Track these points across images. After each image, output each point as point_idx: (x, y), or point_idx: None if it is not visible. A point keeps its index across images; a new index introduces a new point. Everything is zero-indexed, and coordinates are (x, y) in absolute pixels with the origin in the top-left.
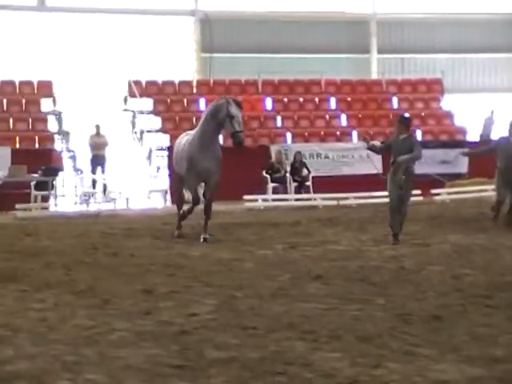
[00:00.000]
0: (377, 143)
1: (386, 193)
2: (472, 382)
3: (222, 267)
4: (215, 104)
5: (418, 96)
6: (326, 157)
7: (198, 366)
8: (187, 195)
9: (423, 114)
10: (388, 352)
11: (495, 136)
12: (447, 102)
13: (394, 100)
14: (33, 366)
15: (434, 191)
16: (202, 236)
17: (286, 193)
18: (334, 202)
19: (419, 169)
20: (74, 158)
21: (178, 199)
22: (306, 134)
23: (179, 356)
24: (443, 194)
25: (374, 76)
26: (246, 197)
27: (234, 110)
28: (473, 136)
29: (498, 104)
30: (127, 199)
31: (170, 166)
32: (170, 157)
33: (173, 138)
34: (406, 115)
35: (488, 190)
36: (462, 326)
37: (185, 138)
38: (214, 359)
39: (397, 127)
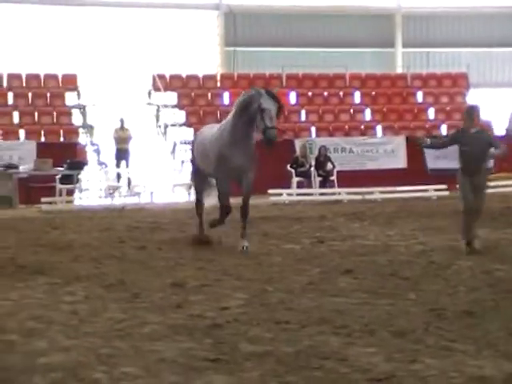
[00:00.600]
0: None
1: (410, 187)
2: (509, 377)
3: (251, 261)
4: (246, 95)
5: (443, 90)
6: (351, 151)
7: (233, 360)
8: (208, 198)
9: (448, 109)
10: (423, 347)
11: None
12: (473, 97)
13: (419, 94)
14: (67, 358)
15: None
16: (240, 244)
17: (310, 187)
18: (359, 197)
19: (444, 164)
20: (98, 151)
21: (197, 200)
22: (331, 128)
23: (213, 349)
24: None
25: (399, 70)
26: (270, 191)
27: (266, 102)
28: (499, 130)
29: None
30: (151, 193)
31: (193, 161)
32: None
33: (197, 132)
34: (473, 105)
35: None
36: (496, 322)
37: (210, 132)
38: (249, 353)
39: (465, 119)
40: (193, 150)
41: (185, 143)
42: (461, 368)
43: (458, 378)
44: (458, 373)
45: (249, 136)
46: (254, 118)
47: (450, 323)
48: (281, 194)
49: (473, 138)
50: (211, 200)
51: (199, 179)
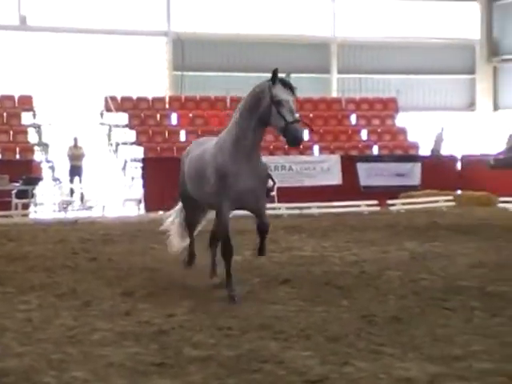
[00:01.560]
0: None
1: (344, 203)
2: (433, 379)
3: (196, 271)
4: (252, 92)
5: (375, 113)
6: (290, 169)
7: (177, 364)
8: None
9: (379, 131)
10: (355, 351)
11: (445, 151)
12: (401, 120)
13: (353, 117)
14: (20, 363)
15: (389, 202)
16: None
17: None
18: (298, 211)
19: (375, 181)
20: (53, 168)
21: (187, 232)
22: (271, 147)
23: (159, 354)
24: (398, 205)
25: (334, 94)
26: None
27: (281, 92)
28: (424, 151)
29: (448, 121)
30: (103, 207)
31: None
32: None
33: (146, 151)
34: None
35: (439, 201)
36: (421, 327)
37: (205, 147)
38: (192, 357)
39: None
40: (181, 174)
41: (135, 161)
42: (389, 370)
43: (386, 379)
44: (386, 375)
45: (258, 147)
46: (266, 118)
47: (380, 329)
48: None
49: None
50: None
51: (189, 206)
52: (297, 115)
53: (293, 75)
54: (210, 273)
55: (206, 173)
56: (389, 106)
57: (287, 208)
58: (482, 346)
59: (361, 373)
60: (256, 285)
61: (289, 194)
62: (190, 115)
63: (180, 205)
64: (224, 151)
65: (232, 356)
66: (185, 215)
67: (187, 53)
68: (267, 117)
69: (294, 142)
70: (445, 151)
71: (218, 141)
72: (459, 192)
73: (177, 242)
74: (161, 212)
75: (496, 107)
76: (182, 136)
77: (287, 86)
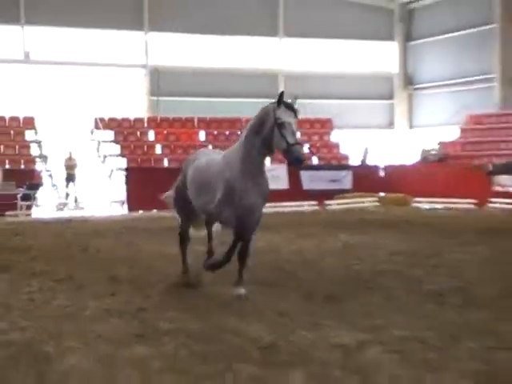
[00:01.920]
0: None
1: (291, 203)
2: (361, 345)
3: (169, 260)
4: (259, 114)
5: (315, 131)
6: None
7: (153, 336)
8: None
9: (318, 145)
10: (299, 323)
11: (370, 161)
12: (335, 136)
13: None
14: (24, 336)
15: (326, 202)
16: (235, 291)
17: None
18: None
19: (316, 185)
20: (51, 176)
21: (182, 232)
22: None
23: (138, 328)
24: (334, 205)
25: None
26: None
27: (283, 115)
28: (354, 161)
29: (372, 138)
30: (93, 208)
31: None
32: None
33: (129, 161)
34: None
35: (366, 202)
36: (352, 304)
37: (211, 157)
38: (166, 330)
39: None
40: (181, 179)
41: (119, 169)
42: (326, 338)
43: (324, 345)
44: (324, 342)
45: (263, 167)
46: (269, 138)
47: (319, 305)
48: None
49: None
50: (200, 233)
51: (186, 210)
52: (296, 138)
53: (249, 99)
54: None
55: (211, 185)
56: (326, 125)
57: None
58: (400, 318)
59: (303, 340)
60: (220, 271)
61: None
62: (165, 132)
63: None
64: (232, 167)
65: (198, 328)
66: (181, 215)
67: (162, 82)
68: (270, 138)
69: (295, 163)
70: (370, 161)
71: (224, 156)
72: (382, 194)
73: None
74: (141, 211)
75: (411, 126)
76: (158, 149)
77: (290, 108)
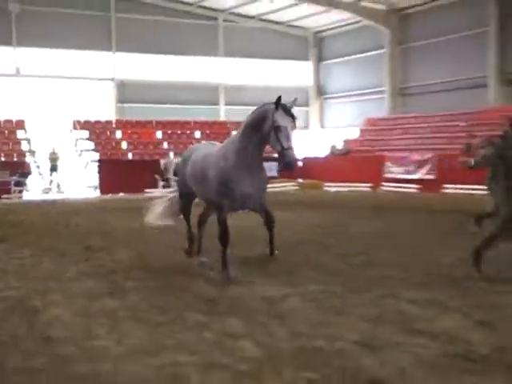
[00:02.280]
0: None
1: None
2: (283, 296)
3: (135, 233)
4: (257, 111)
5: None
6: None
7: (122, 292)
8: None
9: None
10: (235, 282)
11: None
12: None
13: (234, 132)
14: (17, 293)
15: None
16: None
17: (169, 187)
18: None
19: None
20: (38, 166)
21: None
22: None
23: (109, 286)
24: None
25: (222, 119)
26: (146, 190)
27: (281, 118)
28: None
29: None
30: (72, 192)
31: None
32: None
33: (101, 155)
34: None
35: (288, 186)
36: (278, 264)
37: (208, 150)
38: (132, 287)
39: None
40: (180, 170)
41: (93, 161)
42: (255, 293)
43: (254, 297)
44: (255, 295)
45: (259, 160)
46: (266, 139)
47: (251, 267)
48: (153, 193)
49: None
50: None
51: (186, 198)
52: (291, 143)
53: (196, 106)
54: (197, 250)
55: (209, 174)
56: None
57: None
58: (315, 275)
59: (238, 294)
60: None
61: None
62: (129, 132)
63: (175, 195)
64: (227, 159)
65: (156, 286)
66: (182, 206)
67: (126, 92)
68: (267, 137)
69: (286, 167)
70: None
71: (221, 148)
72: (301, 180)
73: (152, 218)
74: (110, 194)
75: (322, 127)
76: (124, 145)
77: (288, 112)
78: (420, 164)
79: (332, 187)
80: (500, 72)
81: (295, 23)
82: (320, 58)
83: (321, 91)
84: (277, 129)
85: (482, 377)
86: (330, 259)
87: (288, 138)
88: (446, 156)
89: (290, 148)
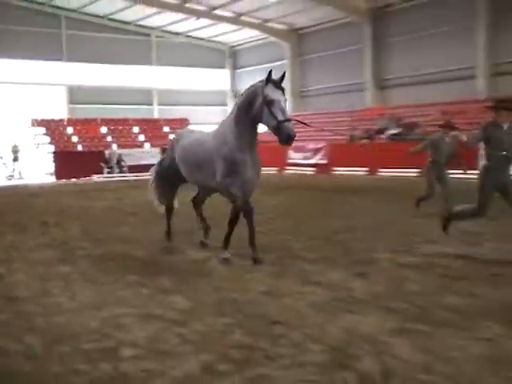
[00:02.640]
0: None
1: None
2: (207, 258)
3: (84, 210)
4: (247, 92)
5: (176, 126)
6: (134, 155)
7: (73, 259)
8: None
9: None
10: (167, 247)
11: None
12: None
13: (166, 128)
14: None
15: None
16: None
17: (112, 173)
18: (141, 178)
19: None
20: (2, 157)
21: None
22: (123, 145)
23: (62, 255)
24: None
25: (156, 116)
26: (94, 176)
27: (271, 92)
28: None
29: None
30: (32, 178)
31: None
32: (59, 157)
33: (55, 147)
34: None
35: None
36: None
37: (198, 135)
38: (82, 255)
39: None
40: (168, 156)
41: (49, 153)
42: (186, 257)
43: (184, 261)
44: (184, 259)
45: (255, 143)
46: (259, 116)
47: (183, 236)
48: (99, 177)
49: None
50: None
51: (168, 186)
52: (287, 115)
53: (134, 107)
54: (203, 235)
55: (209, 162)
56: (183, 122)
57: (133, 176)
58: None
59: (169, 258)
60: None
61: (135, 169)
62: (78, 128)
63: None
64: (229, 143)
65: (102, 253)
66: (161, 193)
67: (76, 94)
68: (260, 115)
69: (286, 140)
70: None
71: (216, 134)
72: None
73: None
74: (64, 180)
75: None
76: (75, 139)
77: (278, 86)
78: (315, 151)
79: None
80: (375, 79)
81: (214, 39)
82: (234, 67)
83: (236, 93)
84: (269, 103)
85: (360, 315)
86: (241, 228)
87: (283, 111)
88: (335, 145)
89: (287, 119)
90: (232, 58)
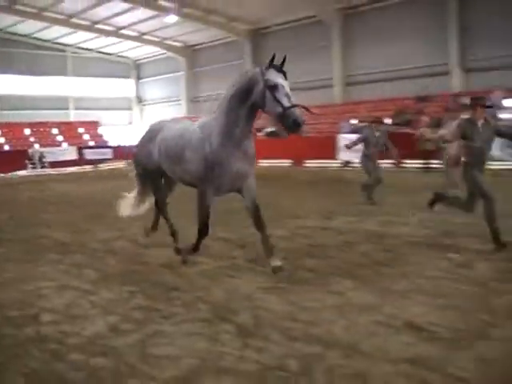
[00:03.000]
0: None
1: (79, 167)
2: (116, 238)
3: (12, 200)
4: (243, 78)
5: (89, 128)
6: (53, 153)
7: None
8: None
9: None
10: (82, 231)
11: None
12: (101, 130)
13: (80, 130)
14: None
15: (99, 165)
16: (271, 264)
17: (35, 169)
18: (62, 173)
19: (92, 156)
20: None
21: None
22: (44, 145)
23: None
24: (104, 166)
25: (72, 119)
26: (19, 171)
27: (274, 76)
28: (112, 143)
29: (121, 131)
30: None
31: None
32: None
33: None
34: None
35: (121, 165)
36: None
37: (181, 126)
38: (8, 239)
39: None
40: (144, 147)
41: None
42: (94, 237)
43: (94, 240)
44: (94, 238)
45: (248, 133)
46: (260, 103)
47: (96, 221)
48: (22, 171)
49: (483, 130)
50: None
51: (151, 178)
52: (292, 101)
53: (52, 111)
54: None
55: (188, 154)
56: (95, 124)
57: (54, 172)
58: (139, 223)
59: (83, 238)
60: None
61: (58, 164)
62: (5, 130)
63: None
64: (212, 140)
65: (26, 237)
66: (142, 187)
67: (4, 103)
68: (261, 102)
69: (293, 127)
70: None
71: (203, 125)
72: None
73: (124, 210)
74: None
75: (142, 123)
76: (2, 140)
77: (281, 71)
78: None
79: None
80: (342, 76)
81: (121, 54)
82: (138, 77)
83: (140, 100)
84: (273, 88)
85: (239, 279)
86: (224, 214)
87: (288, 96)
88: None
89: (294, 105)
90: (136, 69)
